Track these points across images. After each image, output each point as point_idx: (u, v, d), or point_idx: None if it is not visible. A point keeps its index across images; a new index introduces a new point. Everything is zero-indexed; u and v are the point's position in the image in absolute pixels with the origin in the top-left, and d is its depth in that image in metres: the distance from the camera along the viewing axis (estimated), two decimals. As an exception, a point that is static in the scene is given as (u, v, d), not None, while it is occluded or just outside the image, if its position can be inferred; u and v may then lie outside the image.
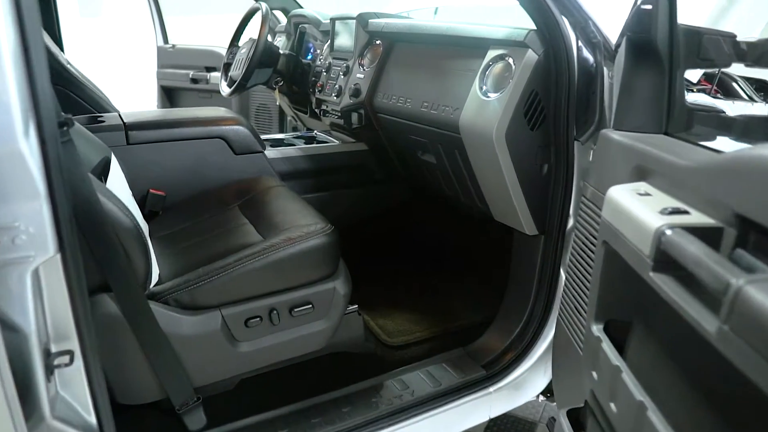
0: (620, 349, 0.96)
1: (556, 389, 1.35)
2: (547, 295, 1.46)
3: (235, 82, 2.00)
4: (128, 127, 1.62)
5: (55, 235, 0.80)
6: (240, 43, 2.16)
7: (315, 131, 2.30)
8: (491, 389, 1.48)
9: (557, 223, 1.39)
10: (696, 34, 1.04)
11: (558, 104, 1.30)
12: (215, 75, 3.11)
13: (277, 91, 2.23)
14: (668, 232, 0.73)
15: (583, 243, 1.18)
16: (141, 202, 1.58)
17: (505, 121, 1.29)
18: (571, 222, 1.39)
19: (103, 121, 1.64)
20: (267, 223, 1.40)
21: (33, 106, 0.73)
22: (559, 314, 1.31)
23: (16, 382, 0.75)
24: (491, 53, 1.38)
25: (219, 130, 1.74)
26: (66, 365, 0.86)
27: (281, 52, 2.14)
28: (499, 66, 1.35)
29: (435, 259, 2.17)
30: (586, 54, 1.28)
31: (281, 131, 3.05)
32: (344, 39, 2.01)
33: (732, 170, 0.70)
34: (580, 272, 1.18)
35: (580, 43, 1.27)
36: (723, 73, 1.46)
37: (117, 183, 1.32)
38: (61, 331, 0.88)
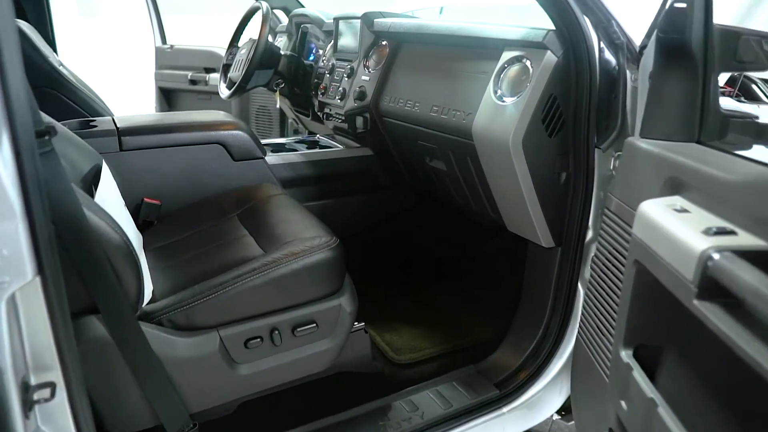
0: (649, 374, 0.89)
1: (576, 413, 1.28)
2: (563, 310, 1.39)
3: (235, 84, 1.94)
4: (121, 133, 1.54)
5: (34, 257, 0.72)
6: (240, 44, 2.10)
7: (317, 135, 2.23)
8: (505, 410, 1.40)
9: (575, 235, 1.32)
10: (733, 34, 0.97)
11: (578, 109, 1.23)
12: (214, 76, 3.06)
13: (277, 93, 2.17)
14: (716, 256, 0.66)
15: (606, 259, 1.11)
16: (135, 212, 1.51)
17: (522, 127, 1.22)
18: (590, 234, 1.32)
19: (96, 126, 1.56)
20: (268, 234, 1.32)
21: (6, 114, 0.65)
22: (579, 333, 1.23)
23: (-12, 424, 0.67)
24: (506, 55, 1.30)
25: (217, 135, 1.66)
26: (46, 400, 0.78)
27: (282, 52, 2.09)
28: (515, 68, 1.28)
29: (443, 269, 2.10)
30: (608, 56, 1.21)
31: (282, 134, 2.98)
32: (348, 39, 1.94)
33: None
34: (603, 290, 1.11)
35: (602, 45, 1.20)
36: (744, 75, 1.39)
37: (108, 192, 1.24)
38: (41, 361, 0.80)
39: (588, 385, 1.18)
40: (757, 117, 1.14)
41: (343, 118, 1.87)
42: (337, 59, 2.00)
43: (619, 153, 1.25)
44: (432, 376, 1.47)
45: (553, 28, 1.22)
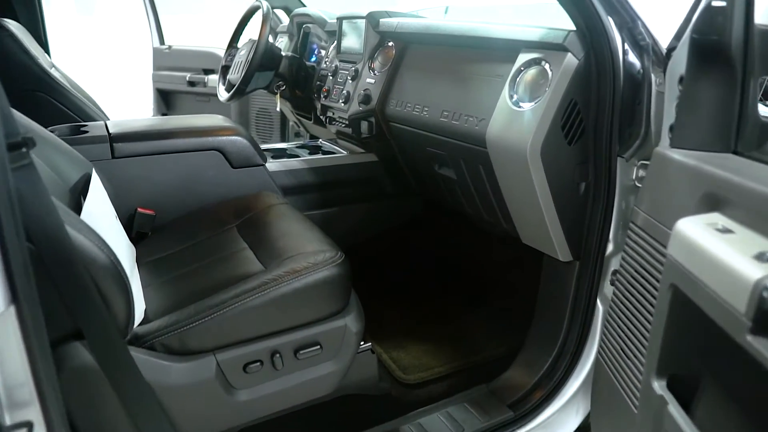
0: (684, 406, 0.81)
1: (598, 439, 1.20)
2: (581, 327, 1.32)
3: (234, 86, 1.86)
4: (113, 139, 1.47)
5: (7, 285, 0.65)
6: (239, 45, 2.04)
7: (320, 140, 2.15)
8: (519, 432, 1.33)
9: (595, 248, 1.25)
10: (775, 36, 0.89)
11: (600, 116, 1.15)
12: (213, 78, 3.00)
13: (278, 96, 2.10)
14: (774, 287, 0.58)
15: (632, 276, 1.03)
16: (128, 223, 1.43)
17: (540, 135, 1.14)
18: (610, 247, 1.25)
19: (87, 132, 1.48)
20: (268, 248, 1.24)
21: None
22: (600, 353, 1.16)
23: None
24: (523, 57, 1.22)
25: (215, 141, 1.58)
26: (22, 443, 0.70)
27: (283, 54, 2.02)
28: (532, 72, 1.20)
29: (451, 280, 2.02)
30: (633, 58, 1.13)
31: (283, 138, 2.92)
32: (352, 40, 1.87)
33: None
34: (628, 309, 1.03)
35: (626, 46, 1.12)
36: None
37: (98, 204, 1.16)
38: (17, 398, 0.72)
39: (611, 412, 1.10)
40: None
41: (347, 122, 1.80)
42: (341, 61, 1.93)
43: (642, 162, 1.18)
44: (442, 396, 1.39)
45: (573, 28, 1.15)
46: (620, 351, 1.05)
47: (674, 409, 0.80)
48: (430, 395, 1.43)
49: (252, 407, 1.09)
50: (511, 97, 1.21)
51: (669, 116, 1.02)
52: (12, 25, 1.79)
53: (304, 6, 2.61)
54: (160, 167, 1.51)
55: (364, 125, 1.72)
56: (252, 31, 1.93)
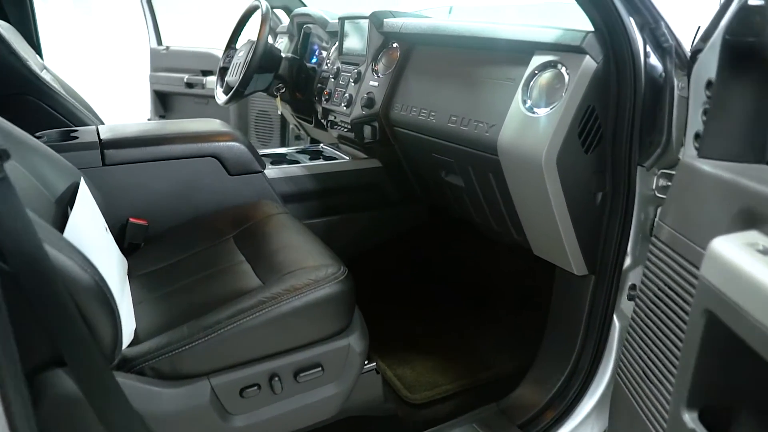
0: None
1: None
2: (596, 344, 1.25)
3: (232, 88, 1.80)
4: (104, 145, 1.40)
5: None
6: (237, 46, 1.98)
7: (321, 144, 2.09)
8: (530, 456, 1.26)
9: (612, 261, 1.19)
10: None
11: (619, 122, 1.09)
12: (212, 79, 2.94)
13: (278, 98, 2.03)
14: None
15: (655, 295, 0.96)
16: (119, 234, 1.36)
17: (556, 143, 1.08)
18: (628, 261, 1.18)
19: (77, 137, 1.41)
20: (267, 262, 1.18)
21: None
22: (619, 374, 1.09)
23: None
24: (537, 60, 1.15)
25: (211, 148, 1.51)
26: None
27: (283, 55, 1.97)
28: (547, 75, 1.13)
29: (458, 292, 1.95)
30: (654, 61, 1.06)
31: (283, 141, 2.85)
32: (355, 41, 1.80)
33: None
34: (651, 330, 0.96)
35: (648, 48, 1.05)
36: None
37: (85, 215, 1.09)
38: (-12, 438, 0.66)
39: (632, 438, 1.04)
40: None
41: (349, 126, 1.73)
42: (343, 62, 1.86)
43: (663, 171, 1.11)
44: (449, 417, 1.33)
45: (590, 29, 1.08)
46: (642, 374, 0.98)
47: (709, 445, 0.74)
48: (436, 415, 1.36)
49: (249, 434, 1.03)
50: (524, 102, 1.15)
51: (694, 123, 0.95)
52: (0, 24, 1.72)
53: (305, 6, 2.56)
54: (153, 175, 1.44)
55: (368, 130, 1.66)
56: (251, 31, 1.88)
